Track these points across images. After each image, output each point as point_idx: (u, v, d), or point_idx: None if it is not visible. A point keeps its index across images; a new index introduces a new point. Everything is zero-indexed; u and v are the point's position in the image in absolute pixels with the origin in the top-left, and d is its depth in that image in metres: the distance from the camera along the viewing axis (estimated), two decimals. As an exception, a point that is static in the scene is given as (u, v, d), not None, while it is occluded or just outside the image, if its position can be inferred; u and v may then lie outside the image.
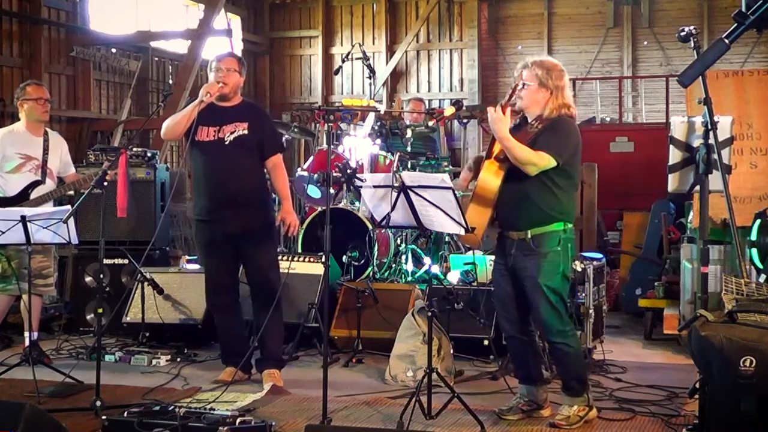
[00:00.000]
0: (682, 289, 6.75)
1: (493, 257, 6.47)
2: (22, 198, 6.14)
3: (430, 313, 4.82)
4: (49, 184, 6.27)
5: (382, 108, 9.61)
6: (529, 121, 4.68)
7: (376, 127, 7.68)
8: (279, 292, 5.45)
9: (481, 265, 6.53)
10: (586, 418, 4.70)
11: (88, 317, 7.22)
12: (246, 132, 5.48)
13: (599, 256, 6.48)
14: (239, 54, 5.83)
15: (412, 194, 4.51)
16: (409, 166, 7.43)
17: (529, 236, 4.61)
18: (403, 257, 7.25)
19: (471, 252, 6.80)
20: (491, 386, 5.48)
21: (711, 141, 4.49)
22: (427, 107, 8.72)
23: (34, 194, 6.18)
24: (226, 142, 5.46)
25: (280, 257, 6.36)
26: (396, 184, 4.54)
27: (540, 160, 4.50)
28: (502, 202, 4.61)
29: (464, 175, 4.90)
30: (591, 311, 6.00)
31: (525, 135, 4.58)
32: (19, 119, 6.44)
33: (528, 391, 4.84)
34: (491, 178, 4.59)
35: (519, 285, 4.73)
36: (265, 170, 5.64)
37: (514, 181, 4.57)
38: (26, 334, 6.00)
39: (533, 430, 4.66)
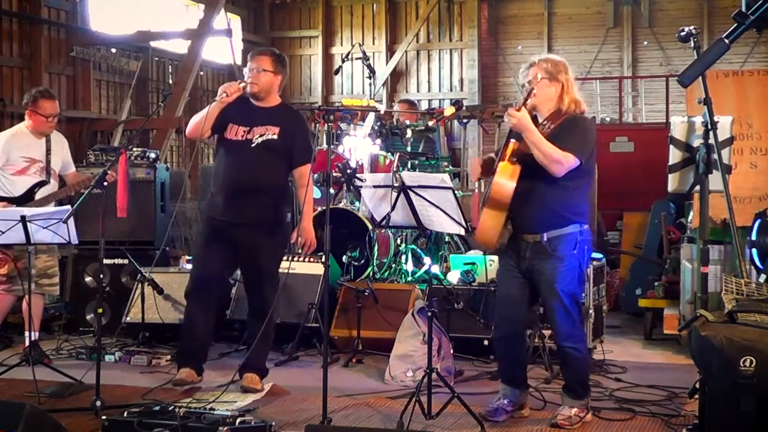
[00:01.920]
0: (682, 289, 6.75)
1: (492, 257, 6.51)
2: (27, 198, 6.15)
3: (430, 313, 4.82)
4: (53, 184, 6.30)
5: (382, 108, 9.61)
6: (540, 121, 4.61)
7: (376, 127, 7.67)
8: (274, 303, 5.31)
9: (480, 265, 6.52)
10: (584, 420, 4.72)
11: (88, 317, 7.22)
12: (275, 137, 5.33)
13: (599, 256, 6.49)
14: (277, 51, 5.55)
15: (412, 194, 4.51)
16: (409, 166, 7.43)
17: (545, 239, 4.56)
18: (403, 257, 7.24)
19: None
20: (491, 386, 5.48)
21: (711, 141, 4.48)
22: (417, 108, 8.69)
23: (39, 194, 6.20)
24: (253, 144, 5.32)
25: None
26: (396, 184, 4.54)
27: (567, 160, 4.44)
28: (516, 204, 4.52)
29: (475, 169, 4.77)
30: (591, 311, 6.01)
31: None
32: (20, 119, 6.45)
33: (512, 392, 4.83)
34: (506, 181, 4.48)
35: (533, 287, 4.71)
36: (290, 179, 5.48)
37: (527, 181, 4.50)
38: (27, 333, 6.01)
39: (533, 429, 4.66)
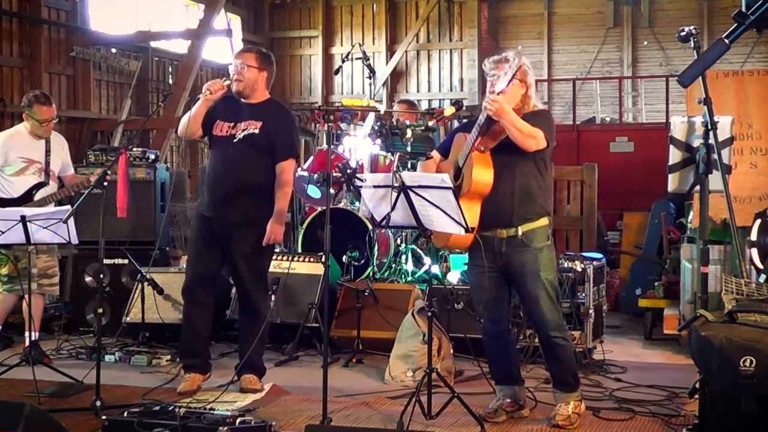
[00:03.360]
0: (682, 289, 6.75)
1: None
2: (26, 199, 6.15)
3: (430, 313, 4.82)
4: (52, 186, 6.31)
5: (382, 108, 9.60)
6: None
7: (376, 127, 7.66)
8: (271, 304, 5.40)
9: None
10: (580, 413, 4.73)
11: (88, 317, 7.22)
12: (257, 132, 5.34)
13: (599, 256, 6.48)
14: (263, 49, 5.66)
15: (411, 194, 4.50)
16: (409, 166, 7.43)
17: (520, 233, 4.60)
18: (403, 257, 7.25)
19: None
20: (491, 386, 5.47)
21: (711, 141, 4.48)
22: (417, 108, 8.70)
23: (38, 196, 6.19)
24: (235, 140, 5.35)
25: (279, 258, 6.35)
26: (396, 184, 4.53)
27: (539, 136, 4.51)
28: (489, 200, 4.57)
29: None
30: (591, 311, 6.01)
31: (499, 131, 4.54)
32: (20, 119, 6.45)
33: (510, 390, 4.84)
34: (486, 171, 4.53)
35: (511, 283, 4.73)
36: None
37: (502, 176, 4.55)
38: (27, 333, 6.02)
39: (533, 429, 4.66)
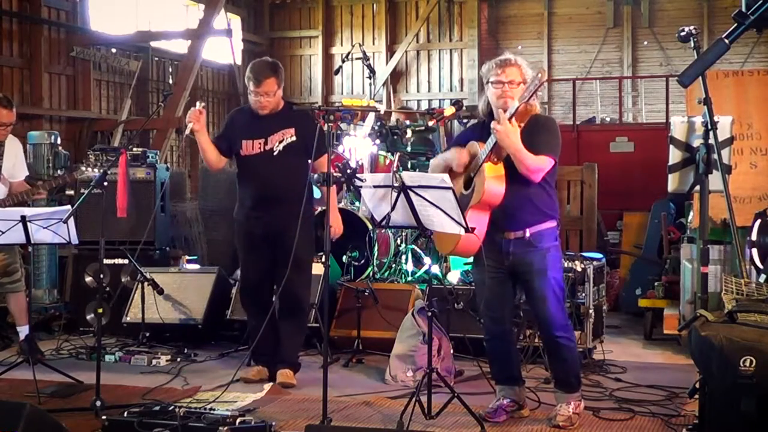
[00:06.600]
0: (682, 289, 6.75)
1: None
2: None
3: (430, 313, 4.82)
4: (1, 189, 6.17)
5: (382, 108, 9.61)
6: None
7: (376, 127, 7.67)
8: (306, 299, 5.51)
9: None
10: (580, 412, 4.73)
11: (88, 317, 7.22)
12: (294, 138, 5.47)
13: (599, 256, 6.48)
14: (275, 66, 5.66)
15: (412, 194, 4.50)
16: (409, 166, 7.43)
17: (528, 234, 4.61)
18: (403, 257, 7.25)
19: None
20: (491, 386, 5.47)
21: (711, 141, 4.49)
22: (417, 111, 8.71)
23: None
24: (275, 153, 5.46)
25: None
26: (396, 184, 4.53)
27: (546, 165, 4.51)
28: (497, 206, 4.58)
29: (462, 159, 4.75)
30: (591, 311, 6.01)
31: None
32: (19, 119, 6.38)
33: (511, 390, 4.84)
34: (498, 184, 4.53)
35: (517, 283, 4.74)
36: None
37: (510, 183, 4.55)
38: (19, 329, 6.10)
39: (533, 429, 4.66)
